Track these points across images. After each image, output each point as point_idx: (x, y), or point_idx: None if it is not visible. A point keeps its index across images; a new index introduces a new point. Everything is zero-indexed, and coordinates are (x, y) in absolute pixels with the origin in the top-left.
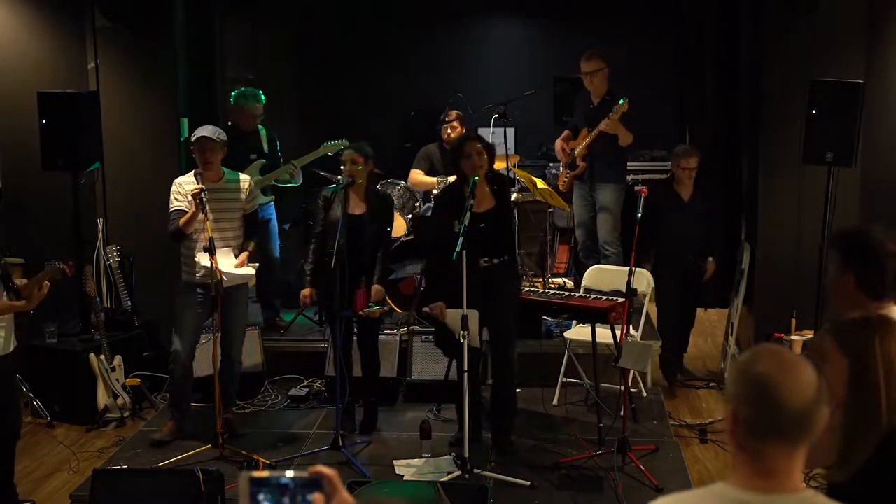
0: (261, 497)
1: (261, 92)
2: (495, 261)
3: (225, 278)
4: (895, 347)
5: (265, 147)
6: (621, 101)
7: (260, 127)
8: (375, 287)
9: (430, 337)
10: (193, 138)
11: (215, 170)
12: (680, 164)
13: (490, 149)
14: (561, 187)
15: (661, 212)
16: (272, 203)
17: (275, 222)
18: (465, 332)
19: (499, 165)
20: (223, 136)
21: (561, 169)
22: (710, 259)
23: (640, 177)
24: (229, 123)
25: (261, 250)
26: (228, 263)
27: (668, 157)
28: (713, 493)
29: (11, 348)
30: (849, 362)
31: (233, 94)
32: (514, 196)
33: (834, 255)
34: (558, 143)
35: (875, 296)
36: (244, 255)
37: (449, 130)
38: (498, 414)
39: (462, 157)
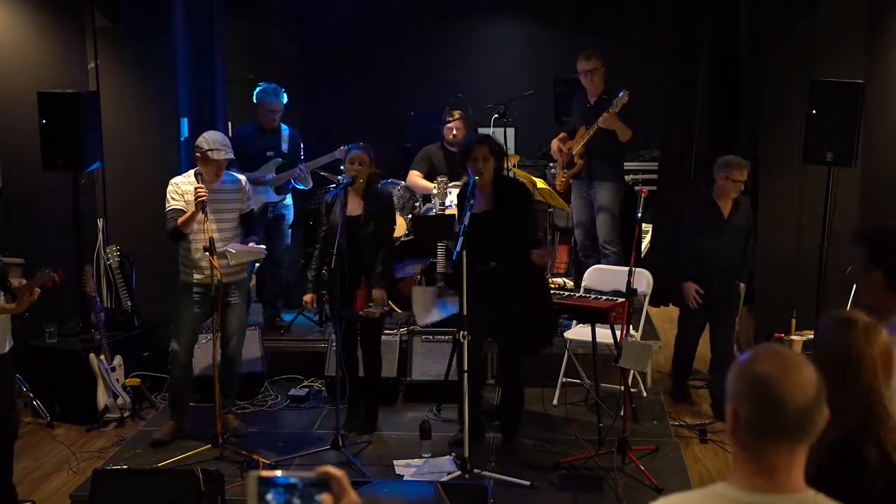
0: (269, 497)
1: (283, 90)
2: (493, 264)
3: (233, 251)
4: (874, 349)
5: (284, 146)
6: (621, 94)
7: (283, 126)
8: (375, 292)
9: (431, 337)
10: (214, 155)
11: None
12: (731, 176)
13: (497, 153)
14: (559, 187)
15: (702, 229)
16: (289, 203)
17: (288, 221)
18: (465, 333)
19: None
20: (229, 145)
21: (558, 169)
22: (742, 285)
23: (639, 177)
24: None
25: (268, 248)
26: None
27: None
28: (714, 493)
29: (7, 348)
30: (819, 355)
31: (256, 90)
32: None
33: (860, 253)
34: (554, 143)
35: None
36: (251, 243)
37: (455, 131)
38: (503, 415)
39: (468, 160)
